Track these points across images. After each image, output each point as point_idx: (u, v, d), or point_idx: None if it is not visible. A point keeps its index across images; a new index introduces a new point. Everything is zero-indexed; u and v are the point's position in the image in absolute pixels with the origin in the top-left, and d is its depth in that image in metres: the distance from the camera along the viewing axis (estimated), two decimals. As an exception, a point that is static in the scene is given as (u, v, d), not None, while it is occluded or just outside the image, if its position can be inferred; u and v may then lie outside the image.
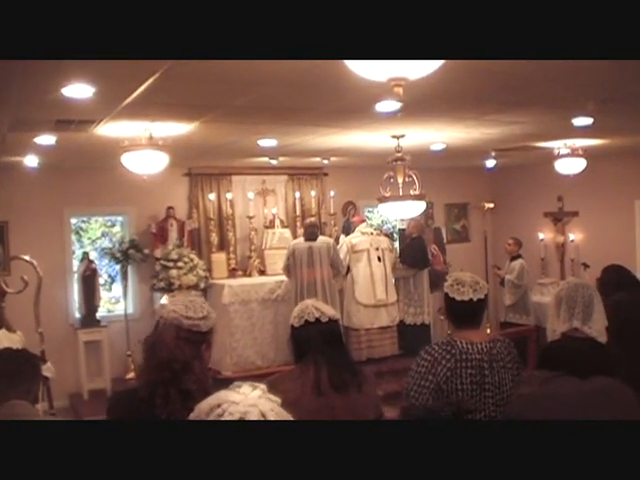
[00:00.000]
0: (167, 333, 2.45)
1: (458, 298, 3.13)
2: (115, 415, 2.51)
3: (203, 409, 1.11)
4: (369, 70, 2.17)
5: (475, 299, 3.13)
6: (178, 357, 2.38)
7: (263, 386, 1.17)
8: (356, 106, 5.14)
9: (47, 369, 4.70)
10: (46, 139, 5.89)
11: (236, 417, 1.08)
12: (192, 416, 1.14)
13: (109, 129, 5.59)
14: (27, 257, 5.95)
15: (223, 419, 1.08)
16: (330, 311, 3.02)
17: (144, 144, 5.56)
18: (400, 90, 2.09)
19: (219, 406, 1.10)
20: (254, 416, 1.09)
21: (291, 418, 1.16)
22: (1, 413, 2.55)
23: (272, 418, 1.10)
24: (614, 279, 4.72)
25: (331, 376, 2.82)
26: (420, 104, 4.98)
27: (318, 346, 2.88)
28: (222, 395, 1.12)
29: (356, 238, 8.86)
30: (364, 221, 9.40)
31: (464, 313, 3.17)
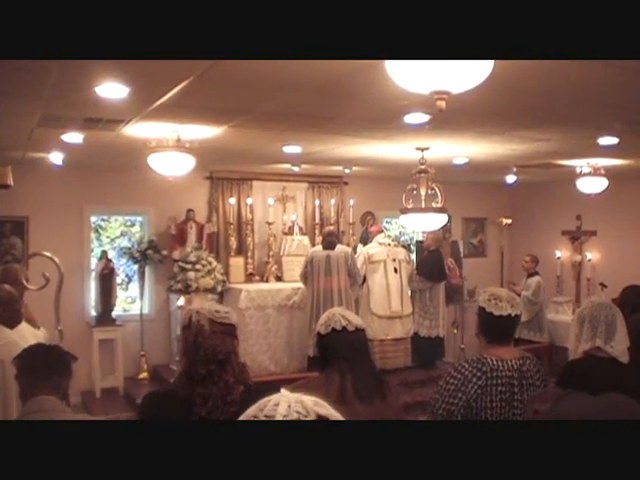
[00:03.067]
0: (205, 327, 2.61)
1: (496, 313, 3.08)
2: (149, 415, 2.54)
3: (250, 413, 1.11)
4: (412, 82, 2.18)
5: (513, 314, 3.10)
6: (221, 348, 2.51)
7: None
8: (384, 117, 5.14)
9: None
10: (73, 136, 5.89)
11: (293, 400, 1.10)
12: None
13: (136, 129, 5.61)
14: (49, 254, 5.94)
15: (280, 407, 1.08)
16: (357, 320, 3.01)
17: (171, 146, 5.58)
18: (443, 104, 2.11)
19: (270, 400, 1.10)
20: (309, 400, 1.10)
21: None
22: (30, 408, 2.57)
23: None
24: (633, 300, 4.69)
25: (356, 385, 2.81)
26: (446, 118, 4.98)
27: (344, 354, 2.87)
28: (267, 398, 1.13)
29: (373, 249, 8.83)
30: (382, 231, 9.36)
31: (500, 328, 3.13)
